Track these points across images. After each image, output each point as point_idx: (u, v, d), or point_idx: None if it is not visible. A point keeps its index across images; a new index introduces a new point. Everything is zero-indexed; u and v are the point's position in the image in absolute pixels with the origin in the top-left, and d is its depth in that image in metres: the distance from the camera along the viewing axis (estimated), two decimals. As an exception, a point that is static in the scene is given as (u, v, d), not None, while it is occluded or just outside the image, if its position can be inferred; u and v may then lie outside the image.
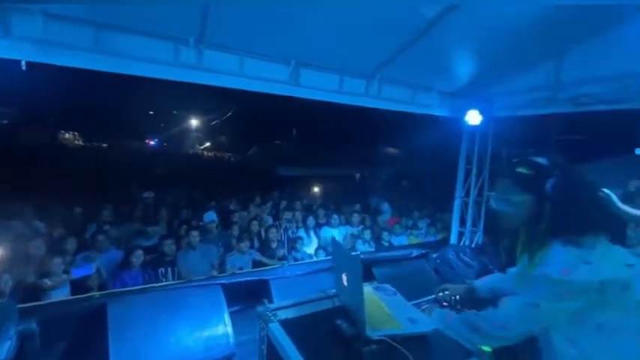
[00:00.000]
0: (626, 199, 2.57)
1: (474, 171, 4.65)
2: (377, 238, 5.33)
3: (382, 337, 1.19)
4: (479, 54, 3.35)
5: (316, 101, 3.43)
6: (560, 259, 1.05)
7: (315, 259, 4.36)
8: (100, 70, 2.37)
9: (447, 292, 1.69)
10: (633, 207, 2.40)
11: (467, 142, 4.72)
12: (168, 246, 3.60)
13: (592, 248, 1.05)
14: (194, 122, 32.11)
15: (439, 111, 4.32)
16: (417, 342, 1.22)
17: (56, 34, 2.17)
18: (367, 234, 5.14)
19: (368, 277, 2.88)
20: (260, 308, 1.41)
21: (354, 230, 5.52)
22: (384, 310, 1.39)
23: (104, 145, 29.99)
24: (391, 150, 19.05)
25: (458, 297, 1.77)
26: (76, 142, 31.06)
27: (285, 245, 4.90)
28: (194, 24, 2.42)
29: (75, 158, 17.13)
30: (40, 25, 2.09)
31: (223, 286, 3.00)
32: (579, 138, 6.91)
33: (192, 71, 2.66)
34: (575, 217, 1.07)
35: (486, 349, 1.23)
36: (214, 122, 28.32)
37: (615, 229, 1.13)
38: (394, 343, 1.18)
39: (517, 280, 1.28)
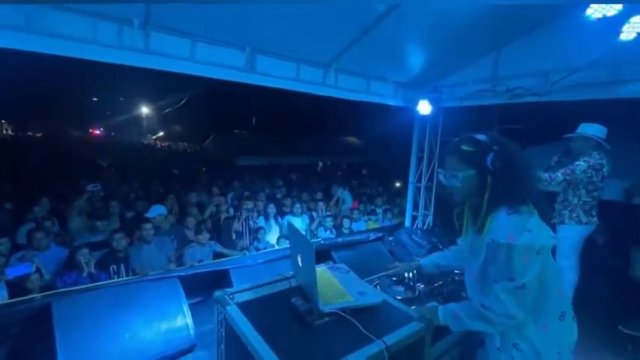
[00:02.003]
0: (547, 171, 2.93)
1: (425, 158, 4.95)
2: (338, 225, 5.49)
3: (334, 310, 1.28)
4: (427, 46, 3.53)
5: (276, 89, 3.39)
6: (505, 226, 1.17)
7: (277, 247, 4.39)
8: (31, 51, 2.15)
9: (397, 270, 1.89)
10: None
11: (418, 130, 4.99)
12: (118, 241, 3.40)
13: (531, 215, 1.19)
14: (144, 110, 29.86)
15: (393, 101, 4.50)
16: (366, 312, 1.33)
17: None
18: (329, 221, 5.28)
19: (329, 261, 3.00)
20: (217, 293, 1.42)
21: (317, 218, 5.64)
22: (337, 286, 1.48)
23: (39, 134, 27.20)
24: (352, 139, 19.42)
25: (410, 274, 1.94)
26: (5, 131, 27.86)
27: (247, 235, 4.87)
28: (138, 4, 2.29)
29: (4, 149, 15.28)
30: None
31: (181, 278, 2.93)
32: (519, 127, 7.56)
33: (139, 55, 2.51)
34: (513, 187, 1.20)
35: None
36: (167, 110, 26.58)
37: (544, 202, 1.28)
38: (344, 314, 1.27)
39: (467, 249, 1.40)
